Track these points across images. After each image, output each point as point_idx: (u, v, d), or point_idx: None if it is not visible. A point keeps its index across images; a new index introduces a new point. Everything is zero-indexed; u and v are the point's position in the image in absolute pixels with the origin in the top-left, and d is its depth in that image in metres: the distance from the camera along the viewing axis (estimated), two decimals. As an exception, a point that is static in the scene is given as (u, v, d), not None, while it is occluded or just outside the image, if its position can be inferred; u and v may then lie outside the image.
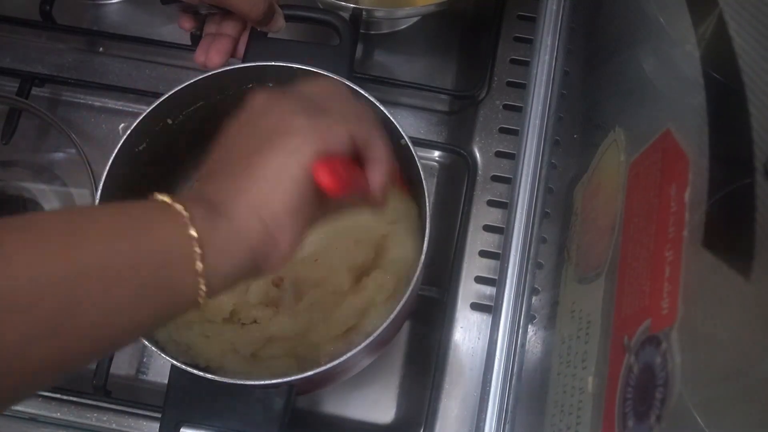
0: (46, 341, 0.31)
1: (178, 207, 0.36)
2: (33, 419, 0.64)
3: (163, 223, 0.36)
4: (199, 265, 0.35)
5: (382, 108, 0.57)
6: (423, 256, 0.53)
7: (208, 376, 0.50)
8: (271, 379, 0.51)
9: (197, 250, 0.35)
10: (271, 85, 0.60)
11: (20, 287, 0.31)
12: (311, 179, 0.38)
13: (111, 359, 0.62)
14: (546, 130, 0.65)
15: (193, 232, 0.35)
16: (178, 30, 0.64)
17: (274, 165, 0.38)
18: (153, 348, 0.51)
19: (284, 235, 0.38)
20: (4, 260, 0.31)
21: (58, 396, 0.64)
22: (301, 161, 0.38)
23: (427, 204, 0.55)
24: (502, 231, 0.67)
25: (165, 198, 0.36)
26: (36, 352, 0.31)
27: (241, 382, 0.51)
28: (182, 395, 0.51)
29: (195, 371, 0.50)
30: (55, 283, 0.31)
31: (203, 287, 0.36)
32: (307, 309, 0.57)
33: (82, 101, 0.77)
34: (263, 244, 0.37)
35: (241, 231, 0.37)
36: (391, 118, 0.56)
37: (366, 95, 0.57)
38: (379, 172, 0.43)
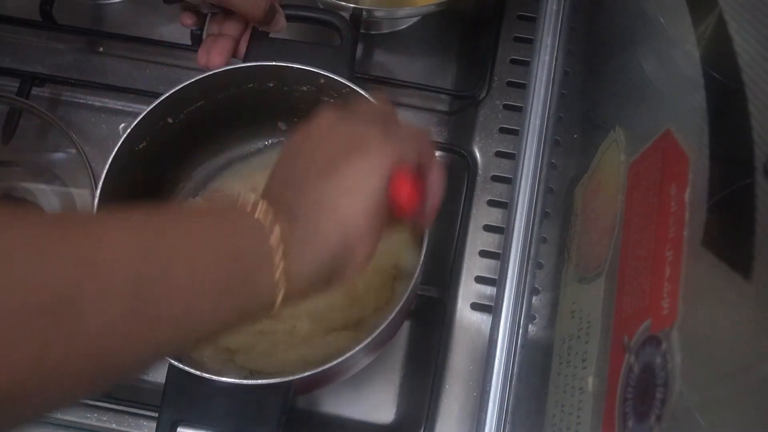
0: (126, 326, 0.30)
1: (263, 207, 0.37)
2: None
3: (247, 222, 0.36)
4: (280, 268, 0.36)
5: (381, 108, 0.57)
6: (422, 257, 0.53)
7: (206, 375, 0.50)
8: (268, 379, 0.50)
9: (279, 253, 0.36)
10: (271, 85, 0.60)
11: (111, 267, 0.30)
12: (387, 192, 0.39)
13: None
14: (546, 130, 0.65)
15: (277, 234, 0.36)
16: (179, 30, 0.64)
17: (356, 176, 0.39)
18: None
19: (362, 245, 0.39)
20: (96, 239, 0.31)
21: (58, 396, 0.64)
22: (382, 174, 0.39)
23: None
24: (502, 231, 0.67)
25: (249, 199, 0.37)
26: (115, 341, 0.30)
27: (238, 382, 0.51)
28: (179, 395, 0.51)
29: (192, 370, 0.50)
30: (139, 261, 0.31)
31: (281, 291, 0.36)
32: None
33: (82, 101, 0.77)
34: (342, 251, 0.38)
35: (323, 238, 0.38)
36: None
37: (366, 95, 0.57)
38: (435, 193, 0.44)
